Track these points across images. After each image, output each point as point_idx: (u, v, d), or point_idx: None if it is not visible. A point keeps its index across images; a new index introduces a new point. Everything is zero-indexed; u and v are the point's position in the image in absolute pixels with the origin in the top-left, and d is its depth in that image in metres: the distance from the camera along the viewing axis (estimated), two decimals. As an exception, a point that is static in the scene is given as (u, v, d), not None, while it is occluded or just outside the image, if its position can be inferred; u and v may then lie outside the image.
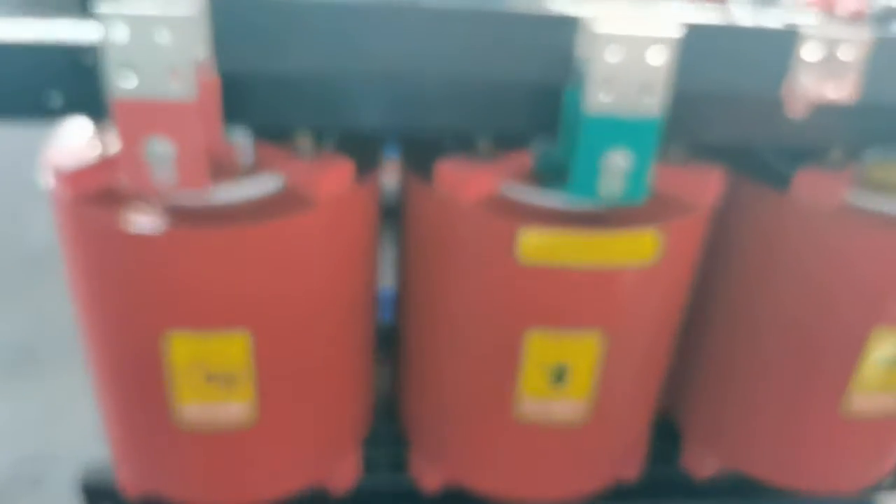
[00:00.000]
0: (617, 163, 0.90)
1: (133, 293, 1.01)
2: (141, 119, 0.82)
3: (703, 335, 1.35)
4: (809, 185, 1.11)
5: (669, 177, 1.10)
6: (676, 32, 0.83)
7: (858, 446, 1.31)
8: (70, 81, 0.90)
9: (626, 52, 0.83)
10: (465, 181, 1.04)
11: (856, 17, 1.11)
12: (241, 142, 1.04)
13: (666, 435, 1.49)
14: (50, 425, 1.96)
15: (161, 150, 0.84)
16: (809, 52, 0.92)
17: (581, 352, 1.11)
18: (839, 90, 0.95)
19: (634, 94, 0.86)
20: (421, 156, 1.12)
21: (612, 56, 0.83)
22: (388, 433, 1.46)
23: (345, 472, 1.34)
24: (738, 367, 1.31)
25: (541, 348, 1.11)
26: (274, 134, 1.06)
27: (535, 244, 1.01)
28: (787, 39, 0.92)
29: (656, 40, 0.82)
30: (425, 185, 1.09)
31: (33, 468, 1.85)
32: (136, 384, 1.11)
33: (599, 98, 0.86)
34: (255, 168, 1.05)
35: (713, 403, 1.38)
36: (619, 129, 0.88)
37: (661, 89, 0.86)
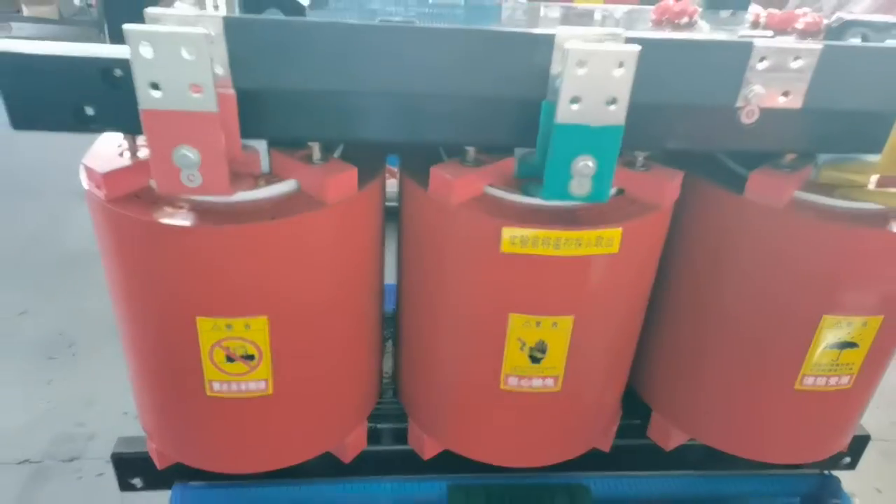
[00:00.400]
0: (585, 167, 0.91)
1: (163, 284, 1.03)
2: (168, 128, 0.84)
3: (670, 319, 1.36)
4: (761, 186, 1.11)
5: (635, 180, 1.11)
6: (637, 48, 0.84)
7: (810, 422, 1.31)
8: (102, 95, 0.93)
9: (592, 66, 0.84)
10: (453, 185, 1.05)
11: (810, 30, 1.13)
12: (260, 151, 1.06)
13: (638, 410, 1.50)
14: (84, 408, 1.98)
15: (187, 156, 0.85)
16: (760, 64, 0.93)
17: (556, 334, 1.12)
18: (788, 98, 0.96)
19: (600, 105, 0.87)
20: (417, 163, 1.13)
21: (580, 70, 0.84)
22: (393, 409, 1.48)
23: (353, 442, 1.35)
24: (700, 348, 1.31)
25: (521, 331, 1.12)
26: (289, 144, 1.09)
27: (515, 240, 1.02)
28: (740, 52, 0.93)
29: (619, 55, 0.83)
30: (420, 188, 1.10)
31: (68, 447, 1.87)
32: (167, 364, 1.12)
33: (569, 109, 0.87)
34: (273, 174, 1.07)
35: (677, 381, 1.38)
36: (587, 137, 0.89)
37: (625, 100, 0.87)
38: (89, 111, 0.96)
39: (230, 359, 1.09)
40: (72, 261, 2.61)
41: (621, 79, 0.85)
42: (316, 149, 1.05)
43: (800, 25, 1.19)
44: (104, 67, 0.92)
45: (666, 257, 1.31)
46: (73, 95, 0.95)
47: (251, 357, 1.09)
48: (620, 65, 0.84)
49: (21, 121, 0.98)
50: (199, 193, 0.89)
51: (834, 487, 1.50)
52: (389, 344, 1.64)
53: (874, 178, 1.12)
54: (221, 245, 0.99)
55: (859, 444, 1.57)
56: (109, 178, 0.99)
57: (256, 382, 1.12)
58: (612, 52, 0.83)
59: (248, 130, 0.98)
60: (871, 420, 2.21)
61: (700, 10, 1.21)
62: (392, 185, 1.23)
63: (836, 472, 1.59)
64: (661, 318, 1.38)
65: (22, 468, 1.76)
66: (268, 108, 0.97)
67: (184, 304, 1.04)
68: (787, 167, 1.14)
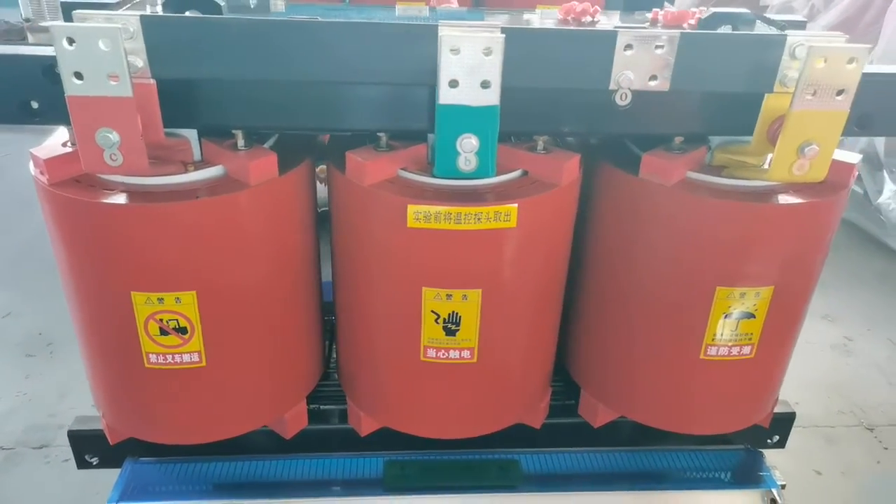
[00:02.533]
0: (469, 144, 1.02)
1: (100, 260, 1.14)
2: (90, 112, 0.95)
3: (589, 299, 1.45)
4: (652, 166, 1.22)
5: (536, 162, 1.22)
6: (501, 36, 0.95)
7: (720, 392, 1.39)
8: (45, 90, 1.05)
9: (465, 52, 0.95)
10: (365, 167, 1.16)
11: (680, 20, 1.24)
12: (192, 141, 1.18)
13: (574, 391, 1.59)
14: (57, 401, 2.11)
15: (108, 137, 0.97)
16: (627, 51, 1.04)
17: (467, 306, 1.22)
18: (657, 82, 1.07)
19: (476, 87, 0.98)
20: (339, 150, 1.24)
21: (454, 56, 0.96)
22: (338, 391, 1.58)
23: (293, 419, 1.44)
24: (616, 324, 1.40)
25: (434, 304, 1.22)
26: (218, 133, 1.20)
27: (419, 215, 1.13)
28: (607, 40, 1.03)
29: (486, 41, 0.95)
30: (340, 173, 1.22)
31: (39, 436, 1.99)
32: (109, 337, 1.23)
33: (449, 91, 0.98)
34: (204, 162, 1.19)
35: (599, 358, 1.47)
36: (467, 117, 1.00)
37: (497, 82, 0.98)
38: (34, 105, 1.08)
39: (164, 331, 1.19)
40: (55, 268, 2.75)
41: (492, 63, 0.96)
42: (240, 136, 1.17)
43: (692, 21, 1.31)
44: (46, 65, 1.04)
45: (582, 239, 1.42)
46: (18, 90, 1.07)
47: (184, 330, 1.20)
48: (489, 51, 0.95)
49: (-27, 115, 1.10)
50: (121, 173, 1.01)
51: (758, 461, 1.57)
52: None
53: (769, 156, 1.21)
54: (150, 222, 1.10)
55: (784, 423, 1.64)
56: (51, 164, 1.11)
57: (190, 354, 1.22)
58: (479, 38, 0.94)
59: (176, 120, 1.11)
60: (818, 407, 2.30)
61: (600, 10, 1.32)
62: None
63: (791, 460, 1.65)
64: (583, 298, 1.47)
65: (-5, 455, 1.88)
66: (191, 99, 1.10)
67: (119, 280, 1.15)
68: (678, 149, 1.24)
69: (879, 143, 3.47)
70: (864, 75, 1.14)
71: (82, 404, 1.68)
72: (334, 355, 1.65)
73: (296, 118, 1.15)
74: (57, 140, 1.21)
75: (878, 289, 3.08)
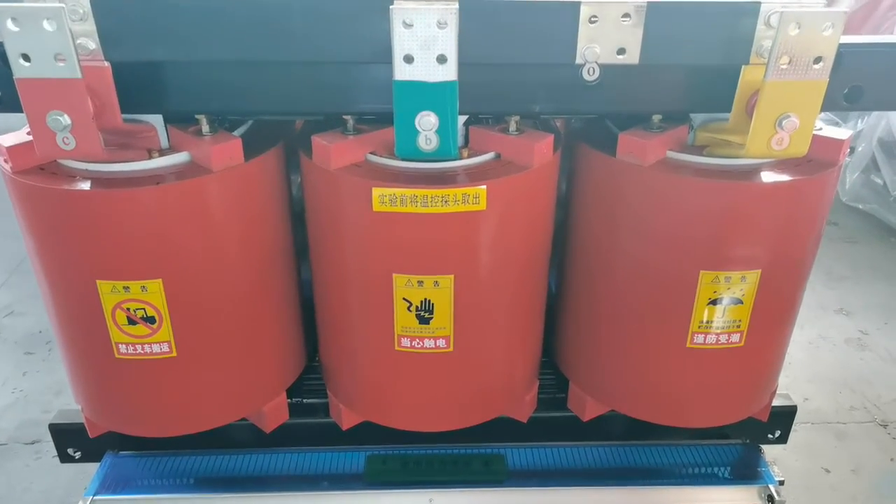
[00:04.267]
0: (427, 122, 0.99)
1: (65, 248, 1.13)
2: (39, 95, 0.94)
3: (575, 289, 1.41)
4: (628, 146, 1.18)
5: (508, 144, 1.19)
6: (454, 7, 0.92)
7: (710, 383, 1.34)
8: (7, 79, 1.04)
9: (418, 26, 0.92)
10: (330, 150, 1.13)
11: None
12: (157, 126, 1.17)
13: (564, 384, 1.55)
14: (52, 397, 2.13)
15: (59, 120, 0.96)
16: (592, 23, 1.00)
17: (439, 293, 1.19)
18: (625, 55, 1.03)
19: (431, 61, 0.95)
20: (308, 135, 1.22)
21: (408, 30, 0.93)
22: (321, 386, 1.56)
23: (272, 412, 1.42)
24: (602, 314, 1.36)
25: (406, 291, 1.19)
26: (182, 120, 1.19)
27: (384, 198, 1.10)
28: (570, 11, 0.99)
29: (439, 13, 0.91)
30: (308, 157, 1.19)
31: (33, 431, 2.02)
32: (79, 327, 1.22)
33: (404, 67, 0.95)
34: (170, 149, 1.18)
35: (584, 348, 1.43)
36: (425, 93, 0.97)
37: (453, 57, 0.95)
38: (-4, 95, 1.08)
39: (132, 321, 1.18)
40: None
41: (446, 37, 0.93)
42: (204, 122, 1.15)
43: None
44: (3, 52, 1.03)
45: (566, 225, 1.38)
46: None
47: (152, 319, 1.18)
48: (444, 24, 0.92)
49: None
50: (74, 156, 1.00)
51: (756, 457, 1.51)
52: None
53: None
54: (112, 208, 1.09)
55: (785, 417, 1.58)
56: (13, 151, 1.11)
57: (160, 345, 1.21)
58: (432, 10, 0.91)
59: (139, 105, 1.10)
60: (829, 403, 2.21)
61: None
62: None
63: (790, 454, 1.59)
64: (567, 287, 1.43)
65: (-14, 449, 1.91)
66: (152, 83, 1.08)
67: (84, 268, 1.14)
68: (657, 128, 1.20)
69: (898, 131, 3.36)
70: (853, 46, 1.09)
71: (65, 406, 1.71)
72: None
73: (258, 102, 1.13)
74: (24, 131, 1.21)
75: (897, 282, 2.97)
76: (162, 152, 1.16)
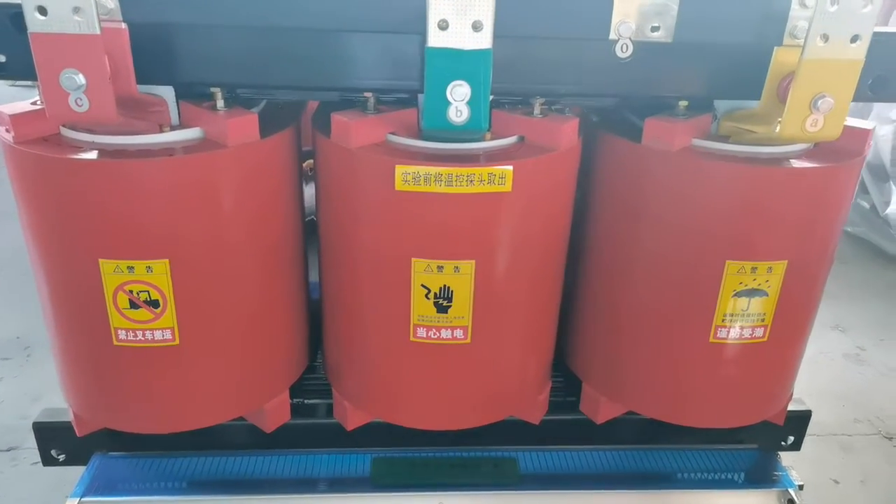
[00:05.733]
0: (459, 92, 0.96)
1: (67, 223, 1.07)
2: (54, 51, 0.90)
3: (589, 279, 1.38)
4: (655, 131, 1.16)
5: (533, 126, 1.16)
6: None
7: (731, 380, 1.30)
8: (13, 42, 1.00)
9: (454, -9, 0.90)
10: (350, 127, 1.10)
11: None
12: (168, 100, 1.12)
13: (576, 388, 1.50)
14: (30, 403, 2.03)
15: (73, 79, 0.91)
16: None
17: (459, 280, 1.15)
18: (659, 32, 1.02)
19: (467, 28, 0.93)
20: (326, 115, 1.19)
21: (443, -5, 0.91)
22: (323, 386, 1.50)
23: (274, 411, 1.35)
24: (619, 306, 1.32)
25: (424, 277, 1.14)
26: (195, 95, 1.15)
27: (407, 176, 1.06)
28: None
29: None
30: (326, 138, 1.16)
31: (9, 438, 1.91)
32: (75, 311, 1.16)
33: (438, 33, 0.93)
34: (182, 125, 1.13)
35: (600, 345, 1.39)
36: (458, 61, 0.95)
37: (489, 24, 0.93)
38: (1, 58, 1.03)
39: (134, 304, 1.12)
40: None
41: (484, 1, 0.91)
42: (219, 95, 1.11)
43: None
44: (13, 13, 0.99)
45: (582, 217, 1.35)
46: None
47: (155, 303, 1.12)
48: (483, -11, 0.90)
49: (-67, 68, 1.05)
50: (87, 119, 0.95)
51: (773, 462, 1.48)
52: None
53: (779, 122, 1.15)
54: (119, 181, 1.04)
55: (800, 422, 1.56)
56: (17, 120, 1.06)
57: (162, 331, 1.15)
58: (472, -25, 0.89)
59: (151, 75, 1.05)
60: (834, 417, 2.20)
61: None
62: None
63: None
64: (583, 281, 1.40)
65: (-41, 455, 1.80)
66: (166, 51, 1.04)
67: (86, 246, 1.08)
68: (681, 115, 1.19)
69: (885, 153, 3.42)
70: (879, 35, 1.09)
71: (50, 407, 1.63)
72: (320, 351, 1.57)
73: (277, 74, 1.09)
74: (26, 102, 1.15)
75: (890, 300, 3.00)
76: (173, 128, 1.12)
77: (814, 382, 2.31)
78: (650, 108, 1.23)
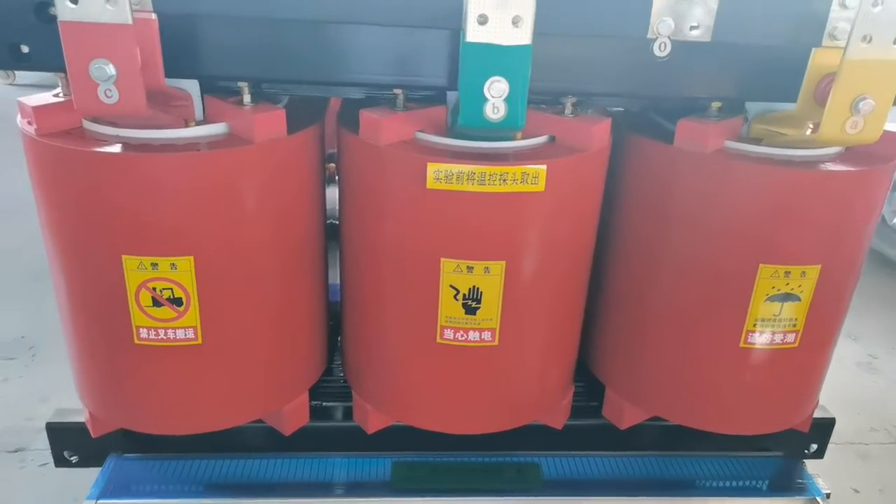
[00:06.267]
0: (497, 88, 0.94)
1: (90, 219, 1.05)
2: (85, 41, 0.88)
3: (614, 282, 1.36)
4: (688, 132, 1.14)
5: (564, 126, 1.15)
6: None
7: (760, 386, 1.29)
8: (37, 32, 0.98)
9: (495, -15, 0.89)
10: (381, 123, 1.08)
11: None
12: (193, 94, 1.10)
13: (598, 393, 1.48)
14: (36, 404, 2.00)
15: (104, 69, 0.89)
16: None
17: (489, 281, 1.13)
18: (698, 31, 1.00)
19: (506, 23, 0.91)
20: (352, 112, 1.17)
21: (485, -10, 0.89)
22: (341, 389, 1.47)
23: (293, 414, 1.33)
24: (646, 309, 1.30)
25: (453, 277, 1.12)
26: (221, 90, 1.13)
27: (439, 174, 1.04)
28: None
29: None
30: (353, 135, 1.13)
31: (16, 439, 1.88)
32: (96, 308, 1.13)
33: (477, 28, 0.91)
34: (206, 120, 1.11)
35: (626, 351, 1.37)
36: (497, 57, 0.93)
37: (530, 19, 0.91)
38: (24, 49, 1.01)
39: (157, 302, 1.09)
40: (41, 275, 2.67)
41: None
42: (245, 90, 1.09)
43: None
44: (39, 3, 0.97)
45: (608, 220, 1.33)
46: (7, 32, 1.00)
47: (179, 301, 1.10)
48: (524, -16, 0.88)
49: (-43, 59, 1.03)
50: (116, 112, 0.92)
51: (798, 470, 1.46)
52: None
53: (810, 125, 1.14)
54: (146, 175, 1.02)
55: (824, 430, 1.54)
56: (40, 112, 1.04)
57: (185, 330, 1.12)
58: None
59: (176, 68, 1.03)
60: (849, 425, 2.18)
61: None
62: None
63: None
64: (608, 284, 1.38)
65: (-35, 456, 1.77)
66: (193, 44, 1.02)
67: (110, 241, 1.06)
68: (714, 116, 1.17)
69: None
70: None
71: (61, 408, 1.60)
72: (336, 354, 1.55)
73: (303, 69, 1.07)
74: (47, 94, 1.13)
75: (902, 309, 2.99)
76: (198, 123, 1.10)
77: (827, 391, 2.27)
78: (676, 110, 1.21)
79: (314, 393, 1.41)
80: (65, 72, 1.05)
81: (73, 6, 0.86)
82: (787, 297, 1.19)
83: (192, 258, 1.07)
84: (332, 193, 1.32)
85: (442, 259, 1.12)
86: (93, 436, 1.30)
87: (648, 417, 1.40)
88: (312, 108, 1.23)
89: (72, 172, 1.03)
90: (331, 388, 1.49)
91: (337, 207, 1.31)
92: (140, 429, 1.25)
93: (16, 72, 1.05)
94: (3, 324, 2.50)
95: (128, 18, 0.87)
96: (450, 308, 1.15)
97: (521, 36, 0.92)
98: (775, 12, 1.02)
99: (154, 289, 1.08)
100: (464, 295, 1.14)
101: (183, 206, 1.04)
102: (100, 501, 1.25)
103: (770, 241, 1.15)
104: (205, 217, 1.06)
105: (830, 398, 2.26)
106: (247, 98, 1.09)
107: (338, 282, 1.39)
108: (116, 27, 0.87)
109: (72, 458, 1.40)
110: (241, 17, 0.99)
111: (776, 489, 1.42)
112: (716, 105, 1.17)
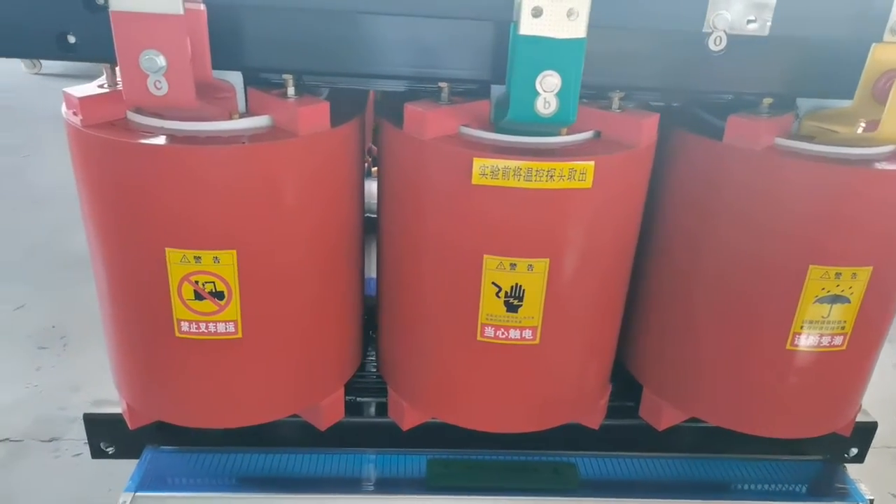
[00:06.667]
0: (549, 83, 0.93)
1: (134, 211, 1.05)
2: (136, 31, 0.87)
3: (655, 281, 1.34)
4: (739, 129, 1.12)
5: (611, 121, 1.12)
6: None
7: (805, 389, 1.26)
8: (84, 22, 0.97)
9: (551, -24, 0.87)
10: (426, 117, 1.06)
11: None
12: (236, 86, 1.09)
13: (634, 394, 1.46)
14: (69, 394, 2.02)
15: (154, 60, 0.88)
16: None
17: (532, 278, 1.11)
18: (755, 25, 0.98)
19: (561, 16, 0.89)
20: (393, 105, 1.16)
21: (540, -19, 0.87)
22: (375, 384, 1.47)
23: (329, 409, 1.32)
24: (689, 311, 1.28)
25: (496, 274, 1.11)
26: (265, 83, 1.12)
27: (485, 170, 1.03)
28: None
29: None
30: (397, 129, 1.12)
31: (50, 428, 1.90)
32: (137, 300, 1.13)
33: (531, 21, 0.89)
34: (249, 113, 1.11)
35: (666, 351, 1.35)
36: (550, 50, 0.91)
37: (585, 12, 0.89)
38: (71, 39, 1.01)
39: (199, 295, 1.09)
40: (72, 264, 2.71)
41: (582, -10, 0.87)
42: (290, 83, 1.08)
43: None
44: (83, -4, 0.96)
45: (652, 221, 1.31)
46: (55, 22, 1.00)
47: (220, 295, 1.10)
48: (581, -24, 0.86)
49: (4, 49, 1.03)
50: (166, 103, 0.92)
51: (839, 474, 1.43)
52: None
53: (861, 123, 1.11)
54: (191, 167, 1.01)
55: (865, 434, 1.51)
56: (85, 103, 1.03)
57: (225, 324, 1.12)
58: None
59: (220, 60, 1.02)
60: (884, 426, 2.12)
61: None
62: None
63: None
64: (648, 283, 1.36)
65: (1, 446, 1.78)
66: (237, 35, 1.01)
67: (153, 234, 1.06)
68: (764, 113, 1.14)
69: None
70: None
71: (96, 398, 1.61)
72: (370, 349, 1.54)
73: (347, 61, 1.06)
74: (91, 85, 1.13)
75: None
76: (241, 115, 1.09)
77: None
78: (721, 105, 1.19)
79: (348, 388, 1.41)
80: (111, 62, 1.06)
81: (125, -4, 0.85)
82: (837, 298, 1.16)
83: (234, 252, 1.06)
84: (369, 187, 1.31)
85: (485, 256, 1.10)
86: (130, 427, 1.31)
87: (686, 419, 1.38)
88: (353, 100, 1.22)
89: (117, 164, 1.02)
90: (364, 383, 1.48)
91: (372, 201, 1.30)
92: (178, 422, 1.25)
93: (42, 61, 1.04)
94: (35, 313, 2.52)
95: (179, 9, 0.86)
96: (491, 305, 1.14)
97: (576, 29, 0.90)
98: (835, 6, 0.99)
99: (196, 282, 1.08)
100: (506, 292, 1.13)
101: (227, 200, 1.04)
102: (138, 494, 1.25)
103: (821, 241, 1.12)
104: (248, 210, 1.06)
105: (867, 400, 2.23)
106: (291, 90, 1.09)
107: (372, 276, 1.39)
108: (167, 17, 0.86)
109: (108, 450, 1.41)
110: (286, 7, 0.98)
111: (816, 494, 1.40)
112: (767, 101, 1.14)
